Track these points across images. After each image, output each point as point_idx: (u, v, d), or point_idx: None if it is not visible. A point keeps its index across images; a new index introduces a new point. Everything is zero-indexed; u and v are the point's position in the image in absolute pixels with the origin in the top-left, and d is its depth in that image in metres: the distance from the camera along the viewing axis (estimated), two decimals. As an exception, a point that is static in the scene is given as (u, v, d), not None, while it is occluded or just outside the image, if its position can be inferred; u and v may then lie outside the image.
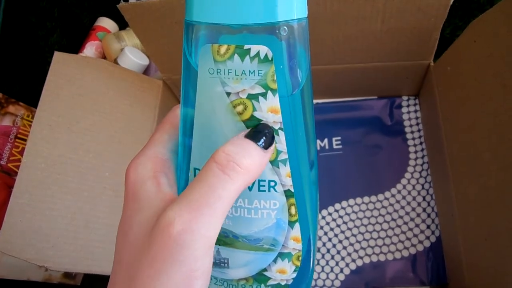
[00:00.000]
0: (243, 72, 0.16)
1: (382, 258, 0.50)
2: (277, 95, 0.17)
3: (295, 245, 0.20)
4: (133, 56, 0.60)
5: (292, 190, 0.19)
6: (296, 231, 0.20)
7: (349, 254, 0.51)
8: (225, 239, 0.20)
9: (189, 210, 0.16)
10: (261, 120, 0.18)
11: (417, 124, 0.55)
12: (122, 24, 0.69)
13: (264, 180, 0.19)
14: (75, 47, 0.68)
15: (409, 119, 0.56)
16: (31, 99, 0.62)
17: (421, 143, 0.54)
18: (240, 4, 0.15)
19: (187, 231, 0.15)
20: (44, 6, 0.66)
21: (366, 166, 0.54)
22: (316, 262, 0.51)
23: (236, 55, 0.16)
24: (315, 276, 0.50)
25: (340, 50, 0.48)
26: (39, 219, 0.44)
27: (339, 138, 0.56)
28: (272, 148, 0.18)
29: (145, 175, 0.19)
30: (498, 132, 0.37)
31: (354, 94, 0.58)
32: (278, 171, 0.18)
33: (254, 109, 0.17)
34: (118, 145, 0.50)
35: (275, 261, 0.20)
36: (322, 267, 0.51)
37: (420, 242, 0.50)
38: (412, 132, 0.55)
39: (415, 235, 0.50)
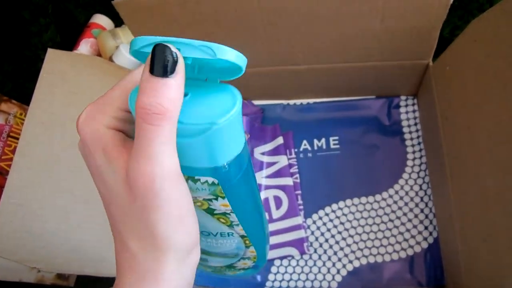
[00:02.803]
0: (197, 189, 0.21)
1: (379, 259, 0.49)
2: (225, 197, 0.21)
3: (251, 254, 0.28)
4: (128, 54, 0.59)
5: (246, 235, 0.25)
6: (252, 249, 0.27)
7: (346, 255, 0.50)
8: (202, 252, 0.27)
9: (147, 164, 0.17)
10: (215, 209, 0.22)
11: (415, 124, 0.55)
12: (118, 21, 0.68)
13: (224, 233, 0.24)
14: (70, 44, 0.67)
15: (407, 119, 0.55)
16: (24, 97, 0.61)
17: (419, 143, 0.53)
18: (191, 156, 0.19)
19: (156, 178, 0.17)
20: (38, 2, 0.64)
21: (364, 166, 0.54)
22: (313, 263, 0.50)
23: (190, 181, 0.20)
24: (311, 277, 0.50)
25: (338, 49, 0.48)
26: (31, 219, 0.43)
27: (336, 137, 0.56)
28: (179, 67, 0.17)
29: (100, 126, 0.20)
30: (498, 133, 0.36)
31: (352, 93, 0.57)
32: (233, 229, 0.24)
33: (209, 205, 0.22)
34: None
35: (238, 260, 0.29)
36: (319, 268, 0.50)
37: (418, 243, 0.49)
38: (410, 132, 0.54)
39: (413, 236, 0.49)
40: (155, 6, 0.42)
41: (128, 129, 0.20)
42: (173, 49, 0.17)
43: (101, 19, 0.68)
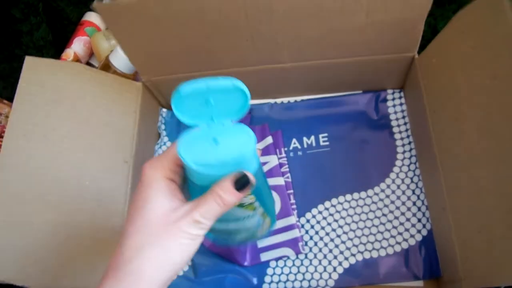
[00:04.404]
0: None
1: (374, 254, 0.49)
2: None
3: (267, 223, 0.36)
4: (125, 55, 0.57)
5: (264, 211, 0.33)
6: (267, 220, 0.36)
7: (341, 253, 0.50)
8: (231, 232, 0.35)
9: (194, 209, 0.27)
10: (244, 203, 0.30)
11: (403, 117, 0.55)
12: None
13: (249, 215, 0.32)
14: (62, 43, 0.65)
15: (395, 112, 0.55)
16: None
17: (408, 136, 0.54)
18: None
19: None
20: (28, 1, 0.62)
21: (354, 161, 0.54)
22: (308, 262, 0.50)
23: None
24: (308, 277, 0.49)
25: (322, 45, 0.47)
26: (19, 236, 0.42)
27: (326, 134, 0.56)
28: (245, 190, 0.27)
29: (160, 174, 0.27)
30: (486, 124, 0.37)
31: (338, 89, 0.57)
32: (256, 211, 0.32)
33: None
34: (98, 152, 0.48)
35: (258, 230, 0.37)
36: (315, 267, 0.50)
37: (412, 236, 0.49)
38: (398, 126, 0.54)
39: (407, 229, 0.49)
40: (135, 9, 0.41)
41: (176, 179, 0.28)
42: (249, 176, 0.27)
43: (94, 17, 0.66)
